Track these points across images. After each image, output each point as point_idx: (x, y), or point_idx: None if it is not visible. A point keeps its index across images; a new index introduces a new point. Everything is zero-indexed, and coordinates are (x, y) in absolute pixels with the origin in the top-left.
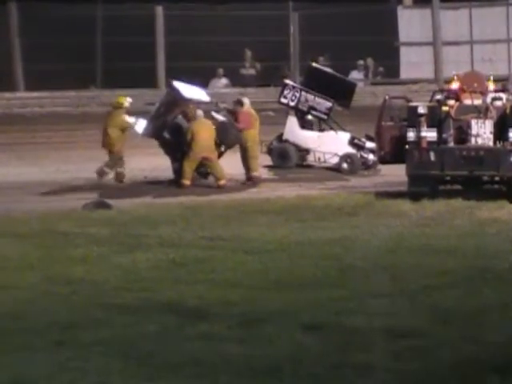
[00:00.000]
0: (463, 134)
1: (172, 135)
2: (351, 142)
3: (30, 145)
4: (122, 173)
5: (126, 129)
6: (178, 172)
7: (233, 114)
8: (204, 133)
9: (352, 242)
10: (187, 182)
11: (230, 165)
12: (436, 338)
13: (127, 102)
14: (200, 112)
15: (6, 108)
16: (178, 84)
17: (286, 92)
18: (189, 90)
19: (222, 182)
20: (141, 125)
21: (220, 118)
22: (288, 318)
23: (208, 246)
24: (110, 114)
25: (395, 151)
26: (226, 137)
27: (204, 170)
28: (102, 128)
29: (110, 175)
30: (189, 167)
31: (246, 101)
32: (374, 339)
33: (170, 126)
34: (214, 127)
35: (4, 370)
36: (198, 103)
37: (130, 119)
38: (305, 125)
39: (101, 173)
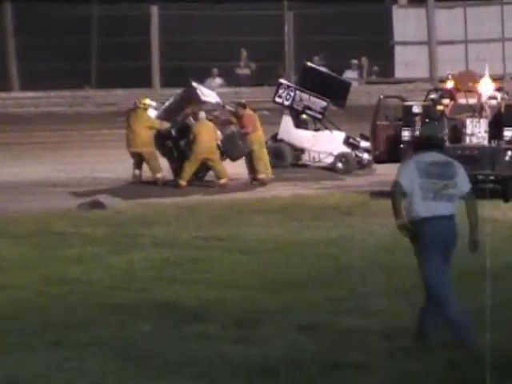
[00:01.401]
0: (458, 133)
1: (178, 134)
2: (346, 142)
3: (26, 145)
4: (139, 175)
5: (153, 128)
6: (177, 172)
7: (236, 116)
8: (205, 134)
9: (348, 241)
10: (184, 182)
11: (231, 164)
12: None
13: (152, 104)
14: (202, 114)
15: (1, 108)
16: (196, 85)
17: (280, 91)
18: (205, 93)
19: (223, 181)
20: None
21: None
22: (284, 318)
23: (204, 246)
24: (136, 115)
25: (390, 150)
26: (233, 149)
27: (203, 173)
28: (128, 129)
29: (160, 174)
30: (189, 168)
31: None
32: (371, 339)
33: (180, 125)
34: (215, 129)
35: (0, 370)
36: (211, 106)
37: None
38: (300, 124)
39: (160, 182)
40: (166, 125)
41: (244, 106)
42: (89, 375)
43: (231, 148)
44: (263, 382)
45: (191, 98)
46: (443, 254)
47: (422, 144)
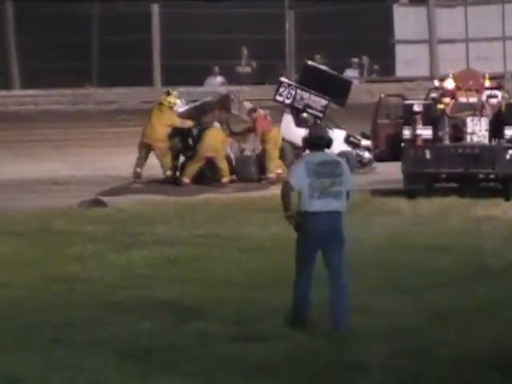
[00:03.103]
0: (459, 132)
1: (199, 134)
2: (347, 140)
3: (26, 143)
4: (140, 173)
5: (172, 126)
6: (180, 169)
7: (251, 121)
8: (212, 134)
9: (347, 240)
10: (187, 179)
11: None
12: (433, 337)
13: (177, 101)
14: (217, 124)
15: (1, 106)
16: (233, 97)
17: (281, 90)
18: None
19: (226, 180)
20: (180, 106)
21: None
22: (283, 316)
23: (204, 244)
24: (160, 111)
25: (391, 149)
26: (244, 173)
27: (208, 173)
28: (148, 122)
29: (169, 172)
30: (193, 166)
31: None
32: (369, 337)
33: (203, 126)
34: (225, 135)
35: (0, 368)
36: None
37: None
38: (300, 123)
39: (169, 179)
40: (188, 123)
41: (254, 110)
42: (88, 373)
43: (243, 171)
44: (263, 381)
45: (223, 106)
46: (318, 248)
47: (313, 144)
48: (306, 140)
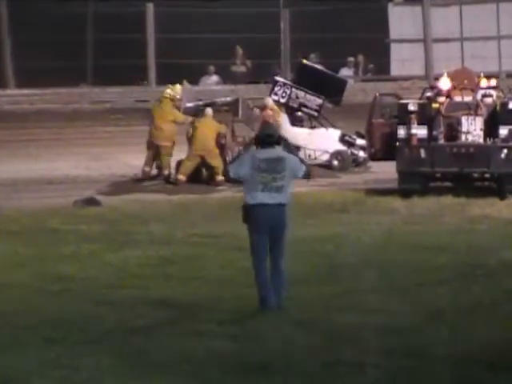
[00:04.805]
0: (453, 131)
1: None
2: (342, 139)
3: (21, 142)
4: (149, 171)
5: (176, 122)
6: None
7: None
8: (203, 130)
9: (343, 239)
10: (182, 177)
11: None
12: (428, 336)
13: (178, 94)
14: (209, 110)
15: None
16: (242, 101)
17: (276, 89)
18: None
19: (220, 178)
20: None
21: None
22: (279, 315)
23: (199, 243)
24: (160, 108)
25: (386, 148)
26: None
27: (205, 174)
28: (151, 124)
29: (167, 171)
30: (187, 164)
31: (269, 102)
32: (365, 336)
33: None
34: (217, 127)
35: None
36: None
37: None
38: (295, 122)
39: (166, 178)
40: (191, 120)
41: (256, 119)
42: (84, 372)
43: None
44: (259, 380)
45: (232, 109)
46: (266, 236)
47: (262, 141)
48: (256, 137)
